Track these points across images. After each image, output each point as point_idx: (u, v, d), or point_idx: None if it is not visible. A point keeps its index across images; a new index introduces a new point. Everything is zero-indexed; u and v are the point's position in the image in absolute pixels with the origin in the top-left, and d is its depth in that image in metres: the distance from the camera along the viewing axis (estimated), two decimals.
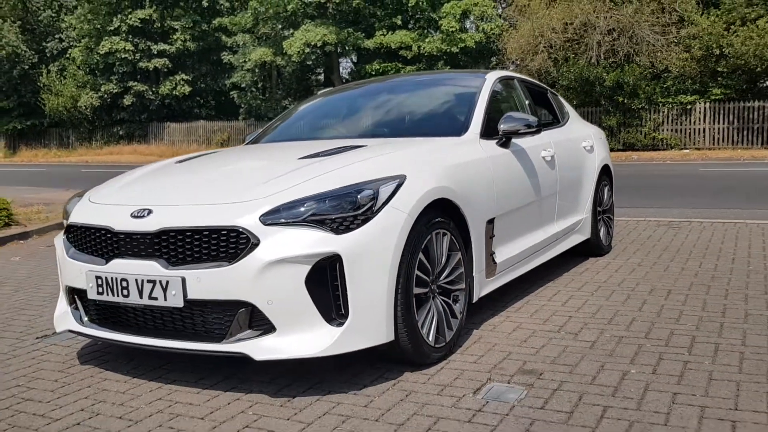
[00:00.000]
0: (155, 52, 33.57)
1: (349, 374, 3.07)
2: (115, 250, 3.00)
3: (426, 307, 3.12)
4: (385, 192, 2.91)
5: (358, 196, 2.85)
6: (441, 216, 3.20)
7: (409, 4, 29.67)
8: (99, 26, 33.45)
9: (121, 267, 2.94)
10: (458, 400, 2.74)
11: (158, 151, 32.33)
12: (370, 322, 2.81)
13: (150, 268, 2.86)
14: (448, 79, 4.89)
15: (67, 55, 36.22)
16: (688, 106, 22.93)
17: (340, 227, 2.79)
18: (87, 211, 3.24)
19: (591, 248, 5.53)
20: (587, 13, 23.10)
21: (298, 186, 2.92)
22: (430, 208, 3.10)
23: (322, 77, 37.14)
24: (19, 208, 9.50)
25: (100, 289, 2.99)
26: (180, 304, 2.80)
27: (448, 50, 27.56)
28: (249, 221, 2.77)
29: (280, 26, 31.69)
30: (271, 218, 2.78)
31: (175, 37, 33.86)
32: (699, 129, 22.92)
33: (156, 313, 2.93)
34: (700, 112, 22.86)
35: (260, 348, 2.75)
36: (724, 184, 11.84)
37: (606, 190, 5.82)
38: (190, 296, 2.78)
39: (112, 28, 33.10)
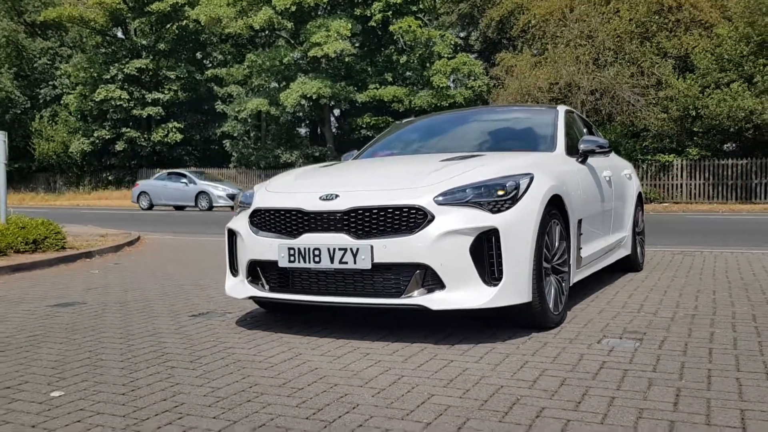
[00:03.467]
0: (149, 101, 34.40)
1: (487, 335, 3.77)
2: (305, 226, 3.70)
3: (547, 280, 3.86)
4: (523, 184, 3.69)
5: (506, 185, 3.61)
6: (555, 209, 3.98)
7: (400, 62, 31.16)
8: (95, 74, 34.26)
9: (312, 239, 3.64)
10: (589, 347, 3.46)
11: None
12: (516, 285, 3.53)
13: (340, 239, 3.57)
14: (525, 110, 5.76)
15: (60, 102, 36.83)
16: (666, 164, 24.37)
17: (494, 208, 3.54)
18: (271, 199, 3.95)
19: (630, 263, 6.33)
20: (572, 74, 24.62)
21: (455, 177, 3.68)
22: (550, 201, 3.87)
23: (308, 130, 38.24)
24: None
25: (292, 258, 3.68)
26: (368, 266, 3.50)
27: (438, 104, 28.89)
28: (426, 201, 3.51)
29: (273, 79, 32.87)
30: (442, 199, 3.53)
31: (168, 86, 34.78)
32: (677, 185, 24.33)
33: (338, 275, 3.61)
34: (677, 169, 24.30)
35: (434, 301, 3.45)
36: (712, 228, 12.85)
37: (640, 214, 6.67)
38: (376, 260, 3.49)
39: (108, 76, 33.92)
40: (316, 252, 3.61)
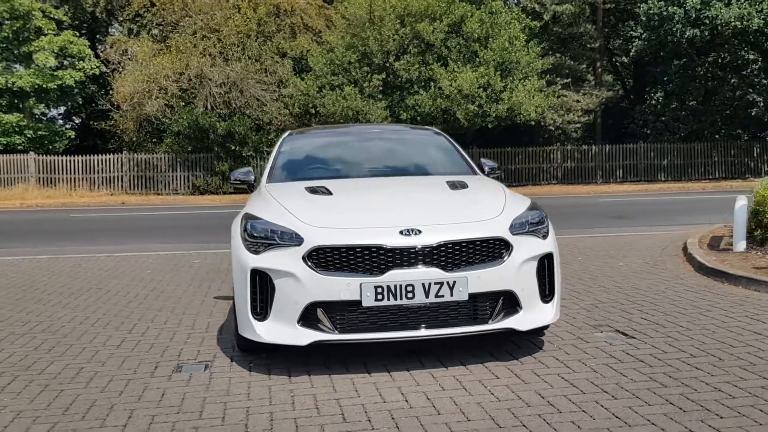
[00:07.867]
0: None
1: (509, 347, 4.20)
2: (388, 262, 3.57)
3: None
4: (544, 213, 4.21)
5: (542, 216, 4.11)
6: None
7: None
8: None
9: (401, 276, 3.56)
10: (611, 343, 4.18)
11: None
12: (558, 300, 4.06)
13: (434, 273, 3.59)
14: (419, 132, 6.22)
15: None
16: None
17: (543, 236, 4.01)
18: (334, 235, 3.65)
19: None
20: (201, 65, 24.59)
21: (506, 209, 4.00)
22: None
23: None
24: None
25: (380, 297, 3.53)
26: (465, 297, 3.62)
27: (46, 86, 25.64)
28: (506, 232, 3.80)
29: None
30: (513, 230, 3.85)
31: None
32: None
33: (423, 309, 3.60)
34: None
35: (519, 322, 3.78)
36: None
37: None
38: (470, 290, 3.63)
39: None
40: (409, 288, 3.56)
